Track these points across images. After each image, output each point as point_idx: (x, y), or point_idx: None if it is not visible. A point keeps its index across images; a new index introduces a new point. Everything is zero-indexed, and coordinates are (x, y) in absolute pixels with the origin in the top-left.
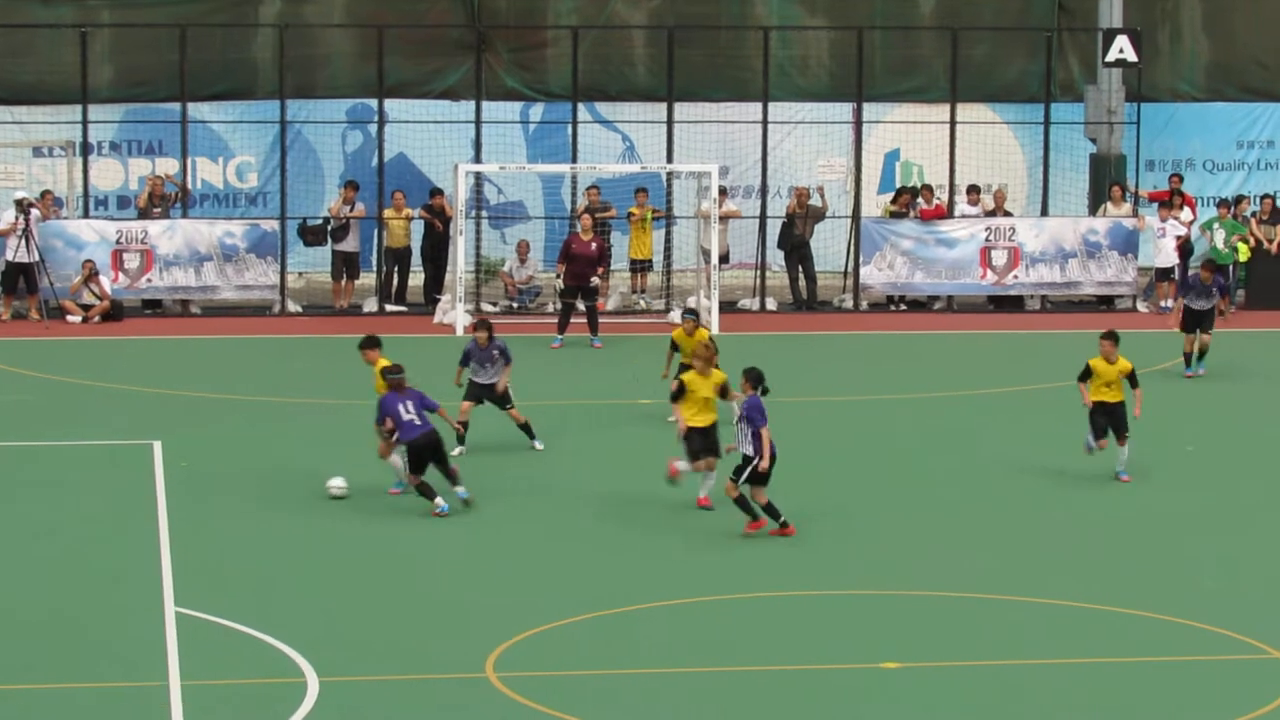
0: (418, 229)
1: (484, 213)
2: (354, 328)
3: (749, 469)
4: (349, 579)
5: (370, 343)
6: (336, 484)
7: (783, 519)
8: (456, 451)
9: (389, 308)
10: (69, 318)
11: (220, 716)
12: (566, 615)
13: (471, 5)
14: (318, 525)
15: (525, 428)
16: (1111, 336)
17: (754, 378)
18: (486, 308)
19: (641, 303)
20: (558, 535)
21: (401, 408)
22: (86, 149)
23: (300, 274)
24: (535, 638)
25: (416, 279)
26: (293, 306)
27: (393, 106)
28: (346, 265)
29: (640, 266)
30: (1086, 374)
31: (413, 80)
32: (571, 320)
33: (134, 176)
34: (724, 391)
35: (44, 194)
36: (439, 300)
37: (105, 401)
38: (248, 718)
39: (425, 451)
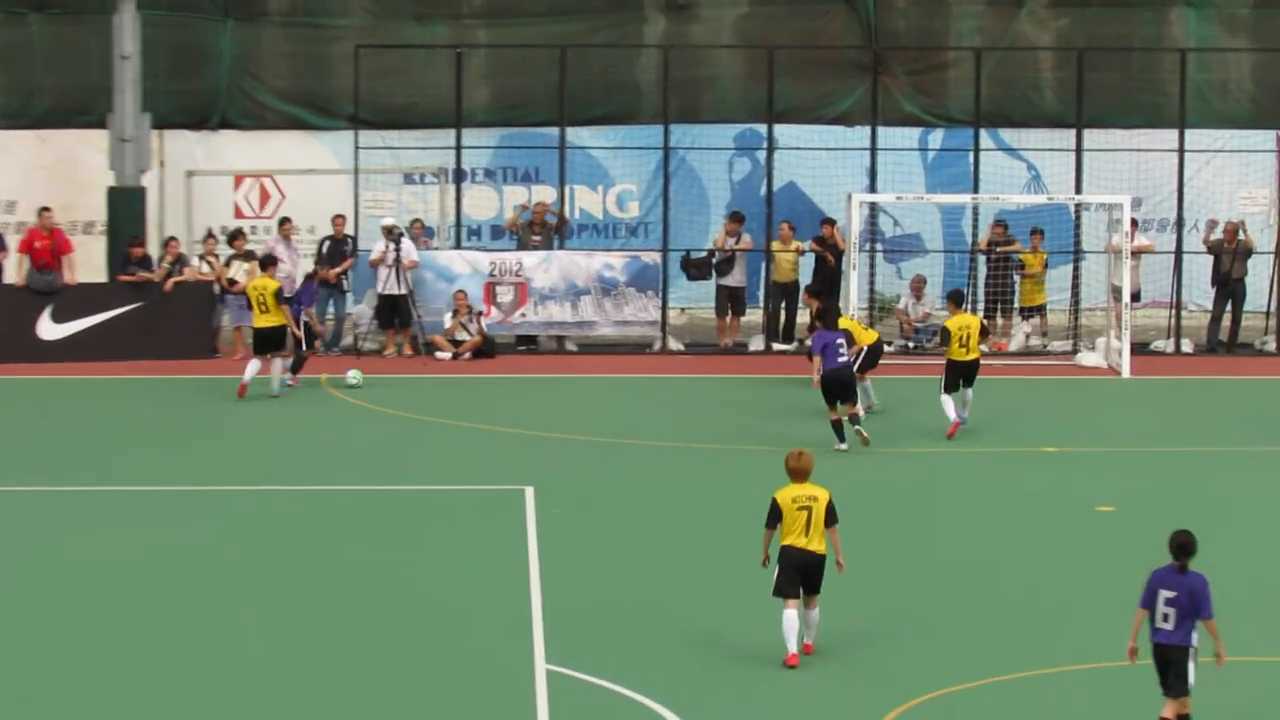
0: (807, 263)
1: (878, 245)
2: (738, 367)
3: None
4: (723, 636)
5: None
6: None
7: None
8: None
9: (776, 345)
10: (439, 354)
11: None
12: (967, 679)
13: (869, 25)
14: (693, 582)
15: None
16: None
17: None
18: None
19: (1036, 343)
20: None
21: None
22: (460, 175)
23: (682, 309)
24: (932, 702)
25: (804, 315)
26: (674, 344)
27: (782, 132)
28: (731, 300)
29: (1028, 314)
30: None
31: (804, 104)
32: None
33: (509, 205)
34: None
35: (413, 222)
36: None
37: (474, 443)
38: None
39: None
